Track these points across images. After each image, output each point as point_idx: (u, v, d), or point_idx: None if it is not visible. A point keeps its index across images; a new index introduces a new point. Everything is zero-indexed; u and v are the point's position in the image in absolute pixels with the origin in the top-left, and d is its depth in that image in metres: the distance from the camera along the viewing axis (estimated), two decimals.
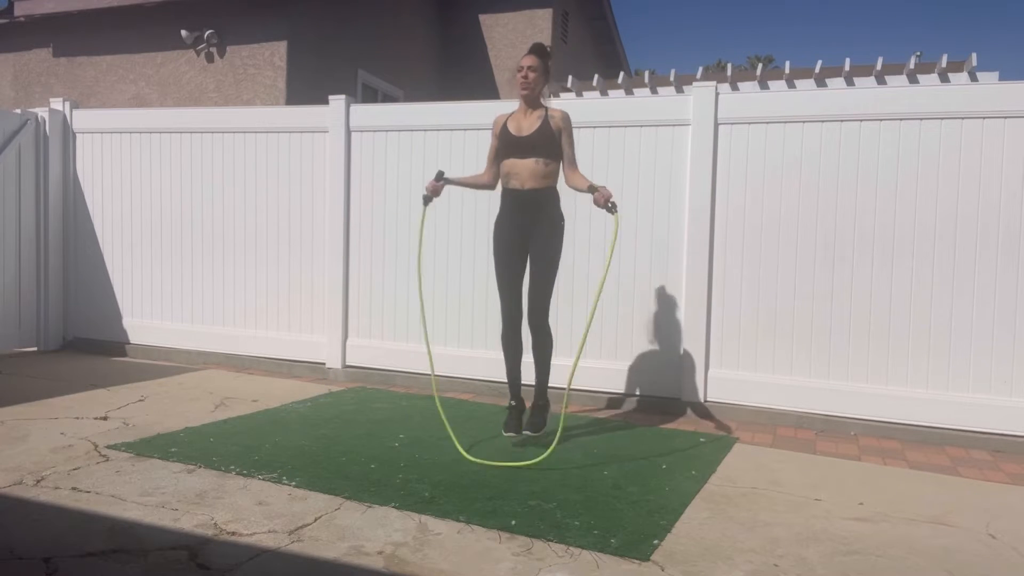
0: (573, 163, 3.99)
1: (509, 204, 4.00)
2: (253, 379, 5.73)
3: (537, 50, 3.99)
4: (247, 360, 6.13)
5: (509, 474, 3.55)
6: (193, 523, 2.85)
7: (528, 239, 3.97)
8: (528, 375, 4.14)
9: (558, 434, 3.79)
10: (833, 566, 2.66)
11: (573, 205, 4.59)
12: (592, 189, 3.78)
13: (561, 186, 4.02)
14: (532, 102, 3.98)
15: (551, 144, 3.91)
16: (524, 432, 3.97)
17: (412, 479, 3.44)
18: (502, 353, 4.14)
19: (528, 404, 4.15)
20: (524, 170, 3.90)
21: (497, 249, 4.06)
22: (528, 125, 3.94)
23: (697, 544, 2.82)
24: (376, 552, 2.66)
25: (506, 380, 4.18)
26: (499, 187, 4.13)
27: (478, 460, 3.67)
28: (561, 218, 4.01)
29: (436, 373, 5.59)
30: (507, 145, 3.95)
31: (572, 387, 4.06)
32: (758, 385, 4.87)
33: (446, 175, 4.11)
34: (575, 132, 4.15)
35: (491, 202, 5.36)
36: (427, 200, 4.11)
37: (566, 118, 3.96)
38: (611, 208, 3.73)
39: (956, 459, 4.15)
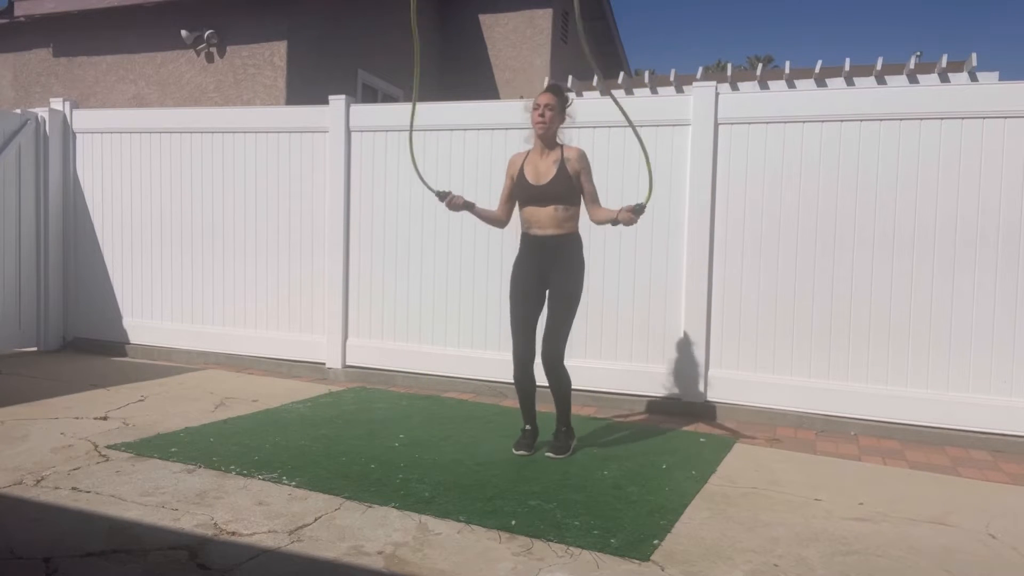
0: (595, 200, 3.90)
1: (529, 248, 3.92)
2: (253, 379, 5.73)
3: (554, 89, 3.91)
4: (247, 360, 6.13)
5: (509, 474, 3.55)
6: (193, 523, 2.85)
7: (547, 282, 3.88)
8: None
9: None
10: (833, 566, 2.66)
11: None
12: (615, 221, 3.74)
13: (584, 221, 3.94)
14: (548, 142, 3.87)
15: (570, 191, 3.82)
16: (547, 455, 3.85)
17: (412, 479, 3.44)
18: (515, 389, 4.02)
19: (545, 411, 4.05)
20: (544, 218, 3.82)
21: (514, 292, 3.95)
22: (545, 170, 3.84)
23: (697, 544, 2.82)
24: (376, 552, 2.66)
25: (517, 400, 4.07)
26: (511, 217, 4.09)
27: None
28: (582, 263, 3.92)
29: (438, 374, 5.59)
30: (525, 195, 3.87)
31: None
32: (758, 385, 4.87)
33: (451, 194, 3.97)
34: (586, 164, 3.93)
35: (491, 203, 5.36)
36: (441, 197, 3.95)
37: (582, 158, 3.86)
38: (639, 210, 3.67)
39: (956, 459, 4.15)
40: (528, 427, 3.99)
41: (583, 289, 3.93)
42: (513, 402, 5.13)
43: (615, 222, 3.75)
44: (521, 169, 3.92)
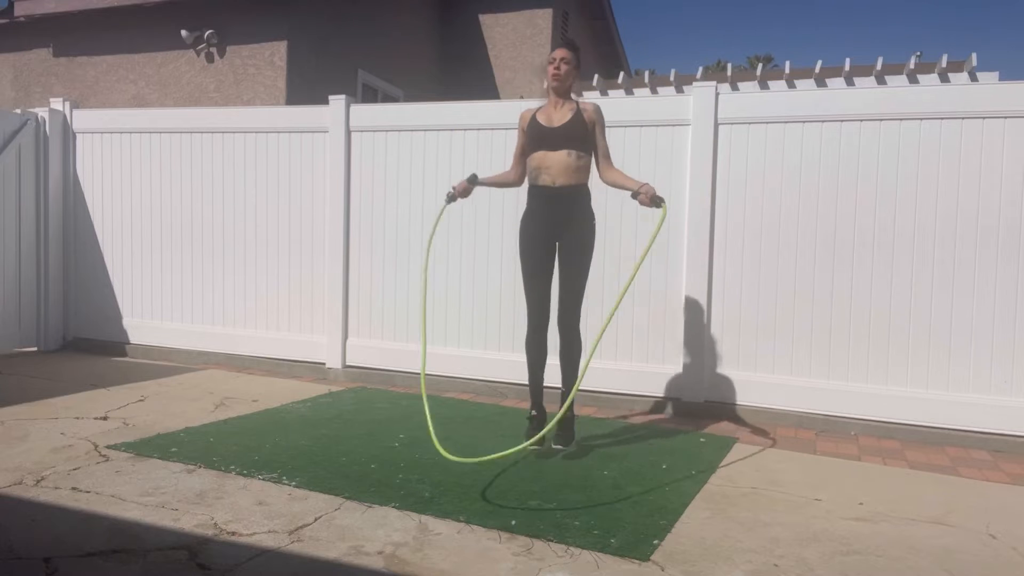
0: (608, 157, 3.84)
1: (538, 201, 3.81)
2: (253, 379, 5.73)
3: (569, 44, 3.85)
4: (247, 360, 6.13)
5: (509, 474, 3.55)
6: (193, 523, 2.85)
7: (558, 238, 3.79)
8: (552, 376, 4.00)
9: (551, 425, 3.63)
10: (833, 566, 2.66)
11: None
12: (636, 192, 3.62)
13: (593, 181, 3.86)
14: (563, 94, 3.81)
15: (584, 136, 3.75)
16: (554, 446, 3.80)
17: (412, 479, 3.44)
18: (525, 357, 3.96)
19: (554, 403, 3.97)
20: (556, 164, 3.72)
21: (525, 248, 3.86)
22: (559, 117, 3.78)
23: (697, 544, 2.82)
24: (376, 552, 2.66)
25: (528, 386, 4.00)
26: (523, 184, 4.00)
27: (458, 458, 3.39)
28: (592, 216, 3.84)
29: (437, 374, 5.59)
30: (537, 137, 3.77)
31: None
32: (758, 385, 4.87)
33: (479, 178, 3.95)
34: None
35: (492, 204, 5.37)
36: (450, 198, 3.98)
37: (598, 111, 3.81)
38: (657, 202, 3.58)
39: (956, 459, 4.15)
40: (535, 412, 3.91)
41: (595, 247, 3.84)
42: (513, 402, 5.14)
43: (635, 193, 3.61)
44: (533, 117, 3.84)
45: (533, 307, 3.84)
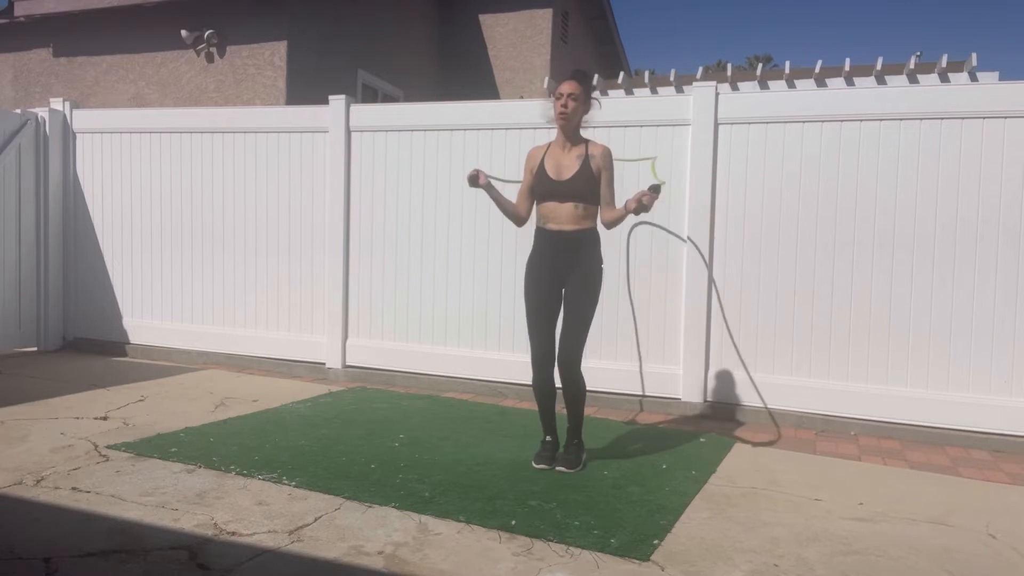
0: (610, 203, 3.66)
1: (546, 243, 3.69)
2: (253, 379, 5.73)
3: (578, 76, 3.65)
4: (247, 360, 6.13)
5: (509, 474, 3.55)
6: (193, 523, 2.85)
7: (564, 281, 3.67)
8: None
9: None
10: (833, 566, 2.66)
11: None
12: (636, 210, 3.46)
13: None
14: (571, 134, 3.65)
15: (592, 190, 3.62)
16: (558, 469, 3.65)
17: (412, 479, 3.44)
18: (534, 397, 3.82)
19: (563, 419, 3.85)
20: (564, 214, 3.61)
21: (530, 290, 3.72)
22: (568, 166, 3.62)
23: (697, 544, 2.82)
24: (376, 552, 2.66)
25: (538, 416, 3.86)
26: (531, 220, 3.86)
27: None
28: (600, 260, 3.71)
29: (437, 374, 5.59)
30: (545, 190, 3.65)
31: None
32: (758, 385, 4.87)
33: (492, 179, 3.74)
34: None
35: (491, 209, 5.35)
36: (472, 181, 3.71)
37: (607, 155, 3.64)
38: (653, 189, 3.40)
39: (956, 459, 4.15)
40: (549, 438, 3.77)
41: (602, 288, 3.73)
42: (513, 402, 5.14)
43: (636, 211, 3.46)
44: (542, 163, 3.69)
45: (537, 350, 3.70)
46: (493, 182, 3.83)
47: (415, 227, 5.67)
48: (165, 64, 9.00)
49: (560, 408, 3.79)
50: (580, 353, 3.65)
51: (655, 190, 3.44)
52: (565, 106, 3.59)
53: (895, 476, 3.80)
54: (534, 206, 3.79)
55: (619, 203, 3.68)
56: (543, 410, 3.80)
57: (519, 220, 3.88)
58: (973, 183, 4.45)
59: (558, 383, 3.72)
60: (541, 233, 3.73)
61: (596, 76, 8.95)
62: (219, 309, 6.28)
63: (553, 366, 3.70)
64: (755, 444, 4.30)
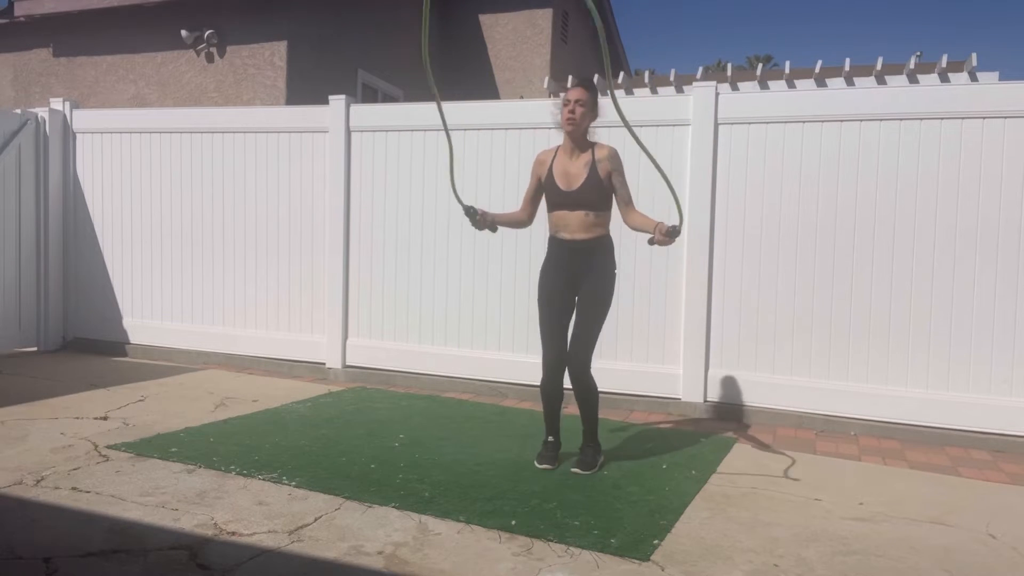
0: (629, 202, 3.65)
1: (559, 251, 3.70)
2: (253, 379, 5.73)
3: (585, 82, 3.67)
4: (247, 360, 6.13)
5: (509, 474, 3.55)
6: (193, 523, 2.85)
7: (577, 287, 3.68)
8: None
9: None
10: (833, 566, 2.66)
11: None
12: (652, 241, 3.45)
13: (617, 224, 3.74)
14: (578, 141, 3.64)
15: (602, 197, 3.61)
16: (572, 470, 3.63)
17: (412, 479, 3.44)
18: (540, 398, 3.80)
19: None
20: (574, 222, 3.61)
21: (543, 296, 3.73)
22: (576, 174, 3.61)
23: (697, 544, 2.82)
24: (376, 552, 2.66)
25: (542, 414, 3.83)
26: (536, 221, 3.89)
27: None
28: (614, 265, 3.72)
29: (437, 374, 5.59)
30: (555, 200, 3.66)
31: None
32: (758, 385, 4.87)
33: (482, 210, 3.72)
34: None
35: (492, 202, 5.36)
36: (470, 212, 3.71)
37: (614, 157, 3.63)
38: (673, 234, 3.38)
39: (956, 459, 4.15)
40: (551, 439, 3.77)
41: (614, 294, 3.71)
42: (513, 402, 5.15)
43: (652, 241, 3.46)
44: (550, 171, 3.69)
45: (549, 355, 3.71)
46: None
47: (415, 227, 5.67)
48: (165, 64, 9.00)
49: (571, 409, 3.77)
50: (591, 356, 3.66)
51: (674, 233, 3.38)
52: (573, 112, 3.59)
53: (895, 476, 3.80)
54: (538, 209, 3.84)
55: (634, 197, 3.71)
56: (548, 412, 3.80)
57: (524, 225, 3.93)
58: (973, 183, 4.45)
59: (567, 385, 3.72)
60: (554, 242, 3.74)
61: (596, 76, 8.96)
62: (219, 309, 6.28)
63: (564, 370, 3.71)
64: (755, 444, 4.30)
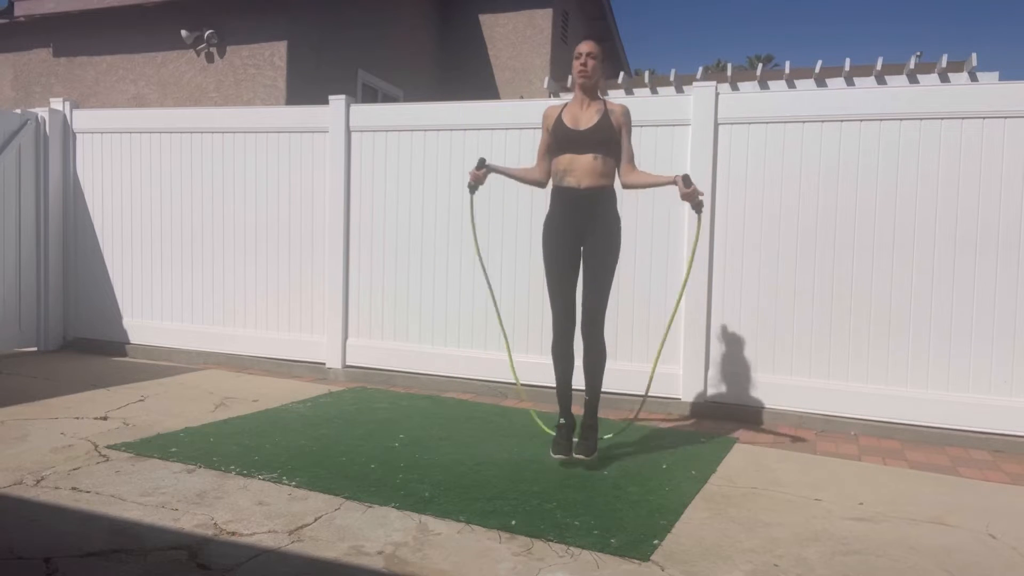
0: (631, 160, 3.71)
1: (563, 203, 3.67)
2: (253, 379, 5.73)
3: (593, 37, 3.80)
4: (247, 360, 6.13)
5: (509, 474, 3.55)
6: (193, 523, 2.85)
7: (583, 241, 3.66)
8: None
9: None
10: (833, 566, 2.66)
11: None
12: (675, 182, 3.53)
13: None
14: (590, 92, 3.68)
15: (611, 139, 3.63)
16: (575, 456, 3.64)
17: (412, 479, 3.44)
18: (552, 363, 3.81)
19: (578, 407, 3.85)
20: (582, 167, 3.60)
21: (549, 252, 3.72)
22: (587, 118, 3.65)
23: (697, 544, 2.82)
24: (376, 552, 2.66)
25: (555, 393, 3.85)
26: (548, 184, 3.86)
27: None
28: (618, 219, 3.71)
29: (437, 374, 5.59)
30: (563, 140, 3.65)
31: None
32: (758, 385, 4.87)
33: (488, 163, 3.84)
34: None
35: (492, 202, 5.36)
36: (472, 188, 3.87)
37: (626, 113, 3.68)
38: (698, 206, 3.52)
39: (956, 459, 4.15)
40: (564, 420, 3.74)
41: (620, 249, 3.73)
42: (513, 402, 5.14)
43: (674, 182, 3.52)
44: (559, 117, 3.71)
45: (559, 312, 3.69)
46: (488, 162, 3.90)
47: (415, 227, 5.67)
48: (165, 64, 9.01)
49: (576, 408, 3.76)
50: (603, 313, 3.64)
51: (699, 208, 3.61)
52: (584, 64, 3.64)
53: (895, 476, 3.80)
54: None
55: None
56: (560, 386, 3.78)
57: (539, 183, 3.92)
58: (973, 183, 4.45)
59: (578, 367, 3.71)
60: (557, 192, 3.72)
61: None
62: (219, 309, 6.28)
63: (574, 328, 3.70)
64: (755, 444, 4.30)
